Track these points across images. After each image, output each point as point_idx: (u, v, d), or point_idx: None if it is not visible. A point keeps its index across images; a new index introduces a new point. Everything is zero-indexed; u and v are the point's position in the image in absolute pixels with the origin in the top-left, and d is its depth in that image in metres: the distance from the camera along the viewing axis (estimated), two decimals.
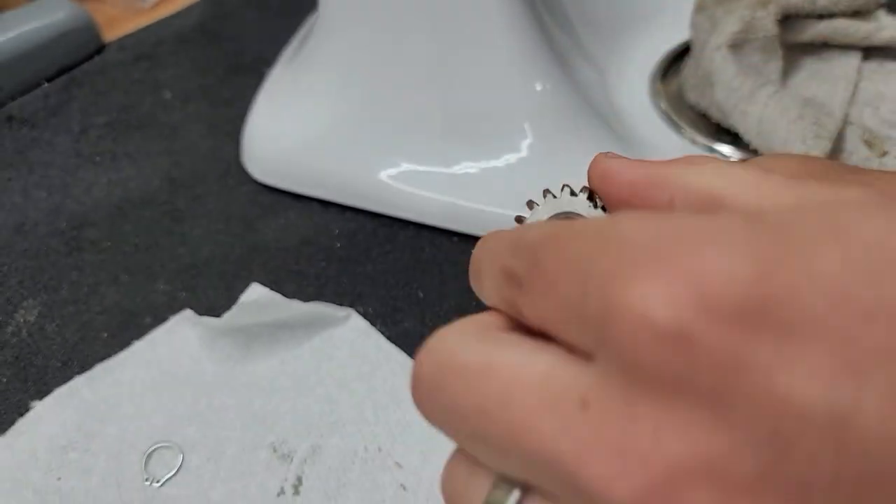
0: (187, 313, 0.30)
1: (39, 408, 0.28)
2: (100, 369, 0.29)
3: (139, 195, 0.37)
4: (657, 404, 0.10)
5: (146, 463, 0.27)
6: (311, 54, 0.36)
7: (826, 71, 0.35)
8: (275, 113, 0.37)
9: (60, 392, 0.28)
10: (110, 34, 0.47)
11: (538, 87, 0.30)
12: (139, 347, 0.30)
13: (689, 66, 0.36)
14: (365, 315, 0.30)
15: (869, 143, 0.33)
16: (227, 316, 0.30)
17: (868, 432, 0.09)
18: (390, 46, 0.32)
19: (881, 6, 0.36)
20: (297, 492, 0.26)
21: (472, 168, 0.31)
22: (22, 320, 0.32)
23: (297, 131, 0.36)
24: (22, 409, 0.28)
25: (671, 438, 0.10)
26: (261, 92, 0.39)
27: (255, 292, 0.31)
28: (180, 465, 0.26)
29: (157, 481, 0.26)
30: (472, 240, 0.33)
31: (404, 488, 0.26)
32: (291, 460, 0.27)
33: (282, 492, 0.26)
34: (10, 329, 0.31)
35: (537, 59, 0.30)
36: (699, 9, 0.35)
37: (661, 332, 0.10)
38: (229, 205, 0.36)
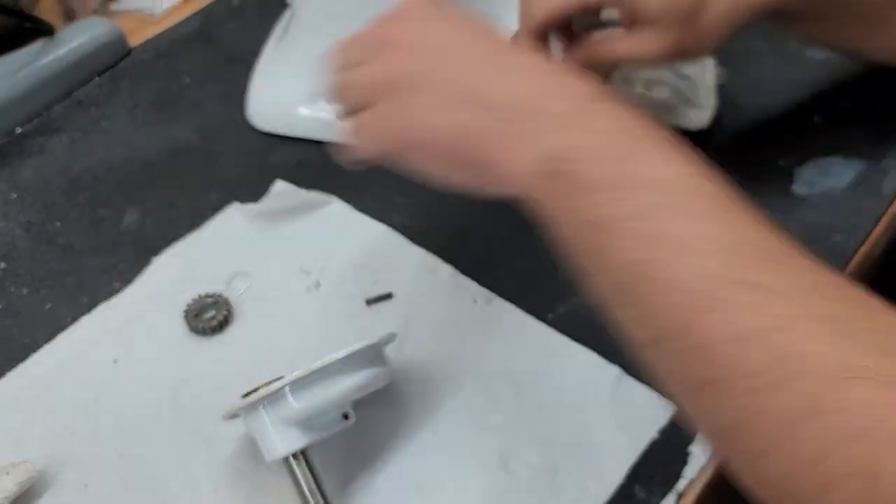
0: (235, 205, 0.51)
1: (156, 262, 0.48)
2: (190, 237, 0.49)
3: (183, 145, 0.57)
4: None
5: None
6: (291, 41, 0.57)
7: None
8: (267, 83, 0.58)
9: (173, 250, 0.49)
10: (133, 41, 0.66)
11: None
12: (210, 224, 0.50)
13: None
14: (345, 201, 0.52)
15: None
16: (261, 202, 0.50)
17: None
18: (344, 32, 0.53)
19: None
20: (318, 287, 0.47)
21: None
22: (129, 220, 0.52)
23: (285, 94, 0.56)
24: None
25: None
26: (255, 71, 0.59)
27: (279, 186, 0.52)
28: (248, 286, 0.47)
29: (236, 292, 0.47)
30: None
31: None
32: (311, 273, 0.48)
33: (310, 289, 0.47)
34: (120, 226, 0.51)
35: None
36: None
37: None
38: (243, 146, 0.57)
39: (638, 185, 0.28)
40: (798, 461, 0.23)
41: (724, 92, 0.54)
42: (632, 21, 0.41)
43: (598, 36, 0.44)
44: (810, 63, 0.58)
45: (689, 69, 0.53)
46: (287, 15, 0.64)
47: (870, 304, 0.25)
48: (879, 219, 0.48)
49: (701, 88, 0.52)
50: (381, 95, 0.34)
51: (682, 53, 0.41)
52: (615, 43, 0.42)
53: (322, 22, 0.54)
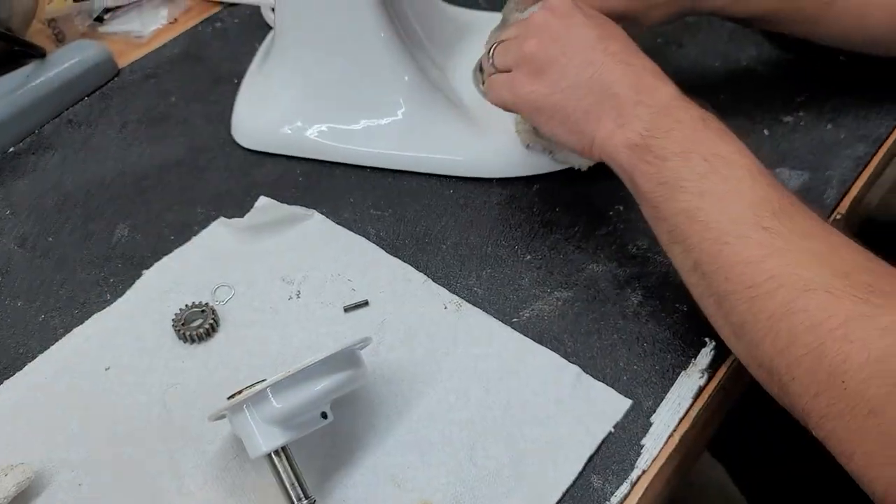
0: (221, 219, 0.54)
1: (147, 275, 0.51)
2: (178, 251, 0.52)
3: (171, 161, 0.60)
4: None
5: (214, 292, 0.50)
6: (272, 65, 0.60)
7: None
8: (251, 103, 0.61)
9: (162, 263, 0.52)
10: (122, 62, 0.68)
11: (406, 78, 0.55)
12: (197, 238, 0.53)
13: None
14: (324, 214, 0.55)
15: None
16: (246, 217, 0.53)
17: None
18: (321, 59, 0.57)
19: None
20: (298, 296, 0.50)
21: (369, 125, 0.57)
22: (119, 234, 0.54)
23: (267, 113, 0.59)
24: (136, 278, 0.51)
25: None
26: (239, 91, 0.62)
27: (262, 201, 0.55)
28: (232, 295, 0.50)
29: (221, 302, 0.50)
30: (367, 168, 0.57)
31: (355, 290, 0.50)
32: (292, 282, 0.51)
33: (291, 297, 0.50)
34: (111, 240, 0.54)
35: (404, 63, 0.55)
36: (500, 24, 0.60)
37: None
38: (229, 162, 0.59)
39: (700, 158, 0.39)
40: (777, 348, 0.35)
41: None
42: None
43: None
44: (758, 79, 0.62)
45: None
46: (269, 37, 0.67)
47: (843, 243, 0.37)
48: None
49: None
50: (523, 65, 0.46)
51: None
52: None
53: (302, 46, 0.57)
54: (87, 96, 0.65)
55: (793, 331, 0.34)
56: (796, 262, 0.36)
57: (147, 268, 0.52)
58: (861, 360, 0.32)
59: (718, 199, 0.38)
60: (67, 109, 0.64)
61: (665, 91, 0.42)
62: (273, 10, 0.64)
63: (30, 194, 0.57)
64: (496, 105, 0.49)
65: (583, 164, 0.53)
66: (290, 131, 0.58)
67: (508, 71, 0.47)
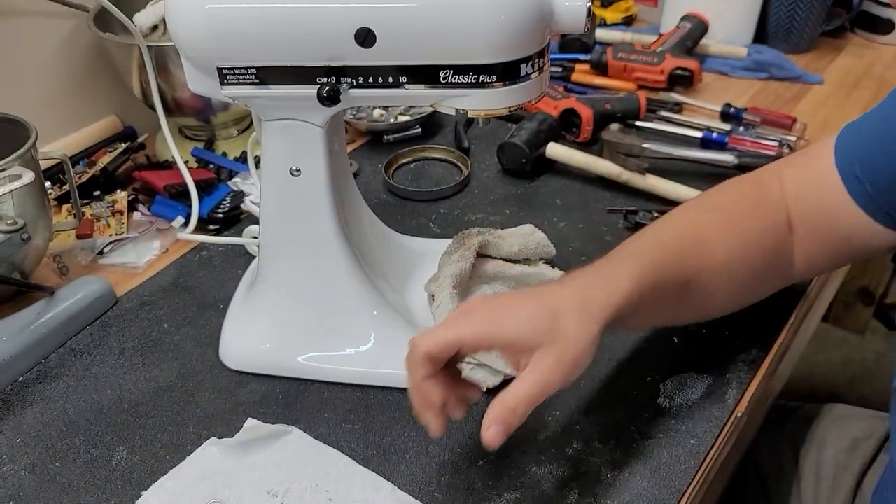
0: (213, 439, 0.61)
1: (145, 496, 0.58)
2: (173, 471, 0.59)
3: (165, 384, 0.68)
4: None
5: None
6: (255, 299, 0.70)
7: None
8: (236, 330, 0.70)
9: (158, 484, 0.58)
10: (119, 291, 0.78)
11: (374, 312, 0.66)
12: (191, 458, 0.60)
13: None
14: (302, 429, 0.63)
15: None
16: (235, 437, 0.61)
17: None
18: (299, 297, 0.67)
19: (542, 260, 0.75)
20: None
21: (342, 350, 0.66)
22: (118, 457, 0.61)
23: (251, 339, 0.69)
24: None
25: None
26: (226, 318, 0.72)
27: (250, 422, 0.62)
28: None
29: None
30: (343, 385, 0.66)
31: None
32: (276, 495, 0.58)
33: None
34: (111, 463, 0.61)
35: (372, 300, 0.66)
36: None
37: None
38: (217, 383, 0.68)
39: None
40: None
41: None
42: (516, 361, 0.49)
43: (504, 392, 0.48)
44: None
45: None
46: (252, 266, 0.77)
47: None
48: (724, 425, 0.61)
49: None
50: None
51: (574, 366, 0.48)
52: (520, 386, 0.47)
53: (282, 287, 0.67)
54: (89, 325, 0.74)
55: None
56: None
57: (145, 489, 0.58)
58: None
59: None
60: (71, 339, 0.72)
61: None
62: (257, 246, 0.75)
63: (36, 423, 0.64)
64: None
65: (492, 382, 0.63)
66: (271, 354, 0.68)
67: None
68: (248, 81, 0.56)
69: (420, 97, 0.56)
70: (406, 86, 0.55)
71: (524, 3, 0.51)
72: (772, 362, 0.68)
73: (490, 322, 0.50)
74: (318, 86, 0.55)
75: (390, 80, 0.54)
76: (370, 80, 0.55)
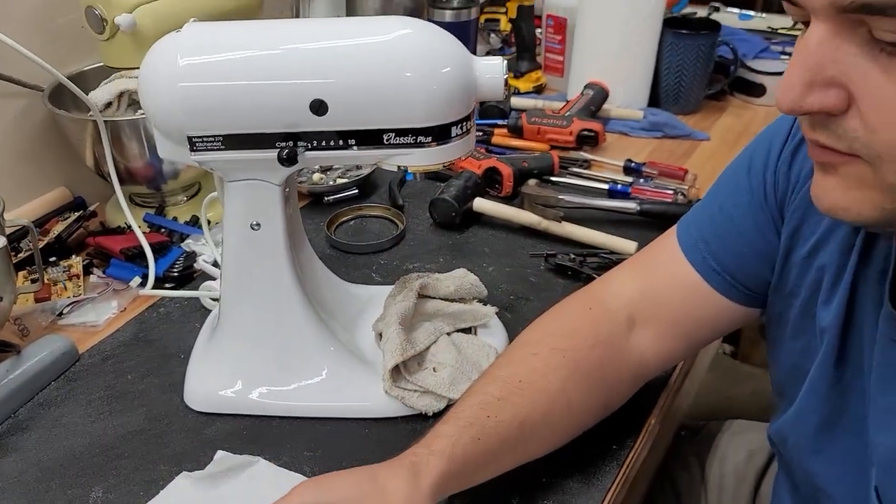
0: (184, 473, 0.67)
1: None
2: None
3: (134, 429, 0.72)
4: None
5: None
6: (217, 344, 0.76)
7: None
8: (200, 374, 0.76)
9: None
10: (81, 348, 0.82)
11: (331, 349, 0.73)
12: (163, 493, 0.65)
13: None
14: (268, 459, 0.68)
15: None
16: (206, 469, 0.66)
17: None
18: (259, 341, 0.74)
19: (475, 299, 0.84)
20: None
21: (299, 386, 0.73)
22: (95, 496, 0.65)
23: (215, 381, 0.75)
24: None
25: None
26: (189, 364, 0.78)
27: (219, 454, 0.68)
28: None
29: None
30: (303, 418, 0.72)
31: None
32: None
33: None
34: (87, 502, 0.65)
35: (326, 340, 0.73)
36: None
37: None
38: (185, 424, 0.73)
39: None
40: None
41: None
42: None
43: None
44: None
45: None
46: (212, 315, 0.84)
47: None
48: (639, 433, 0.71)
49: None
50: None
51: None
52: None
53: (242, 333, 0.74)
54: (54, 380, 0.78)
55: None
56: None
57: None
58: None
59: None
60: (38, 393, 0.76)
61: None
62: (214, 298, 0.82)
63: (13, 472, 0.68)
64: None
65: (437, 407, 0.71)
66: (234, 395, 0.74)
67: None
68: (216, 148, 0.64)
69: (367, 157, 0.65)
70: (354, 147, 0.64)
71: (453, 75, 0.61)
72: (675, 381, 0.78)
73: (324, 488, 0.56)
74: (278, 149, 0.63)
75: (341, 142, 0.64)
76: (323, 143, 0.64)
